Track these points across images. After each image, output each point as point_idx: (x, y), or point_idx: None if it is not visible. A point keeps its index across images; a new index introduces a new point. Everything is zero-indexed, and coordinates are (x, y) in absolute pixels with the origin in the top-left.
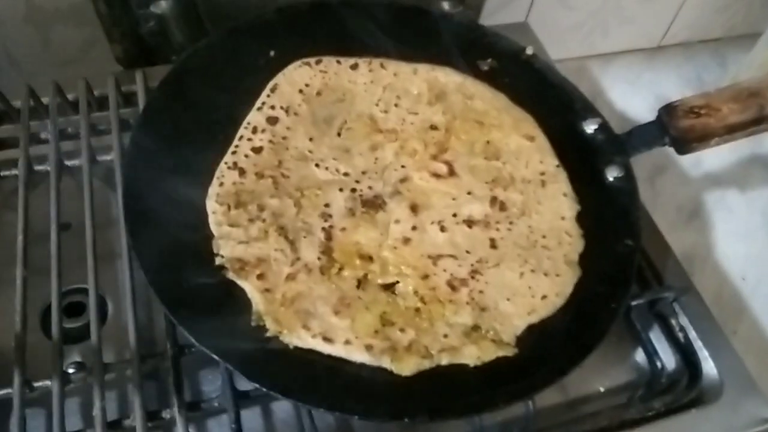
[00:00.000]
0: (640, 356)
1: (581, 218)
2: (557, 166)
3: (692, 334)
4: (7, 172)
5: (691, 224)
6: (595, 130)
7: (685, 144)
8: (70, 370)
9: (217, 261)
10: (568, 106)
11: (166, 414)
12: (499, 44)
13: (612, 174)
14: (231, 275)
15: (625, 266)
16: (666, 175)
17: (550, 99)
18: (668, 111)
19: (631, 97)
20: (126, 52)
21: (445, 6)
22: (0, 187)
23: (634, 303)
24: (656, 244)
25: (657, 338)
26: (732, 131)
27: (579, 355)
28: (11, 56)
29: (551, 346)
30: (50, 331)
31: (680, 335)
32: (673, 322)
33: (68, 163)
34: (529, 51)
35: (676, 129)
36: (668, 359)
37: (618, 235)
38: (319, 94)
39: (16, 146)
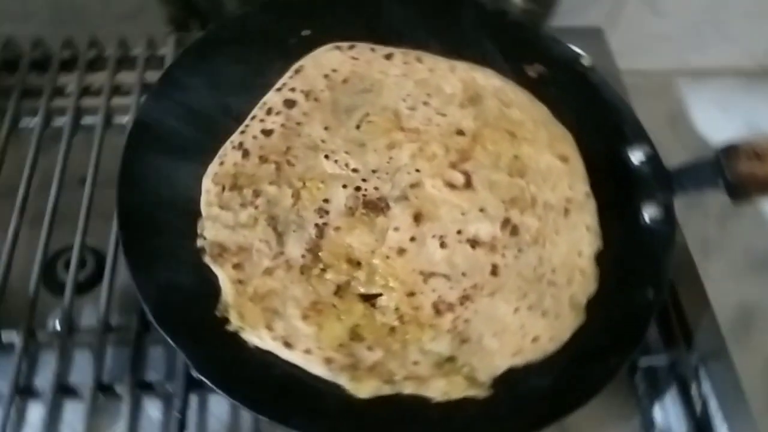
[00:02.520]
0: (646, 420)
1: (601, 257)
2: (587, 194)
3: (713, 407)
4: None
5: (762, 275)
6: (642, 160)
7: (740, 192)
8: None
9: (199, 242)
10: (617, 128)
11: (118, 388)
12: (553, 49)
13: (649, 213)
14: (207, 259)
15: (638, 320)
16: (743, 216)
17: (598, 118)
18: (728, 151)
19: (720, 123)
20: (176, 14)
21: (516, 1)
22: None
23: (653, 361)
24: (695, 297)
25: (672, 402)
26: None
27: (559, 412)
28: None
29: (530, 396)
30: (50, 284)
31: (698, 405)
32: (694, 389)
33: (87, 120)
34: (586, 61)
35: (733, 173)
36: (679, 430)
37: (640, 283)
38: (345, 81)
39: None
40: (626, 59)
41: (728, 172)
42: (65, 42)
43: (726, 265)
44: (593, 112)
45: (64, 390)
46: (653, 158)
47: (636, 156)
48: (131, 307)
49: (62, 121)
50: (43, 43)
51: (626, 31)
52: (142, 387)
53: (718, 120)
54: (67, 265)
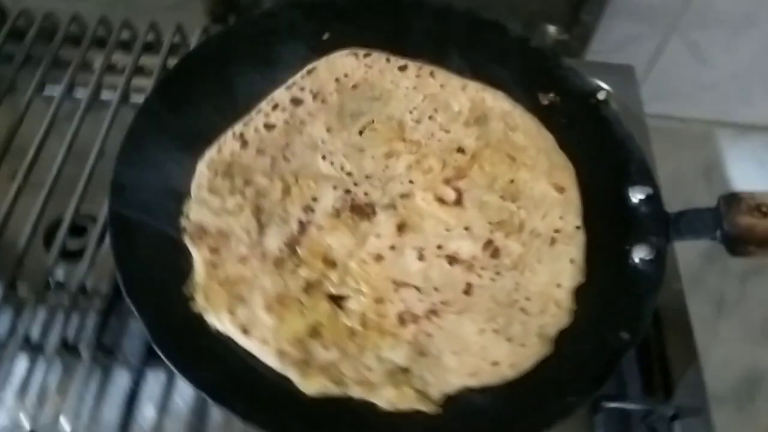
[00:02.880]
0: None
1: (581, 292)
2: (577, 227)
3: None
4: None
5: None
6: (641, 200)
7: (738, 244)
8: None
9: (182, 222)
10: (622, 165)
11: (83, 350)
12: (569, 80)
13: (639, 254)
14: (186, 239)
15: (607, 360)
16: (763, 278)
17: (604, 153)
18: (729, 201)
19: (757, 178)
20: (215, 7)
21: (551, 31)
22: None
23: (628, 405)
24: (683, 348)
25: None
26: None
27: None
28: None
29: (481, 419)
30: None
31: None
32: None
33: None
34: (602, 96)
35: (732, 224)
36: None
37: (616, 323)
38: (355, 87)
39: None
40: (665, 104)
41: (727, 222)
42: (101, 20)
43: (740, 327)
44: (600, 145)
45: (28, 344)
46: (653, 198)
47: (636, 195)
48: (113, 275)
49: (82, 93)
50: (80, 19)
51: (667, 76)
52: (104, 352)
53: (755, 175)
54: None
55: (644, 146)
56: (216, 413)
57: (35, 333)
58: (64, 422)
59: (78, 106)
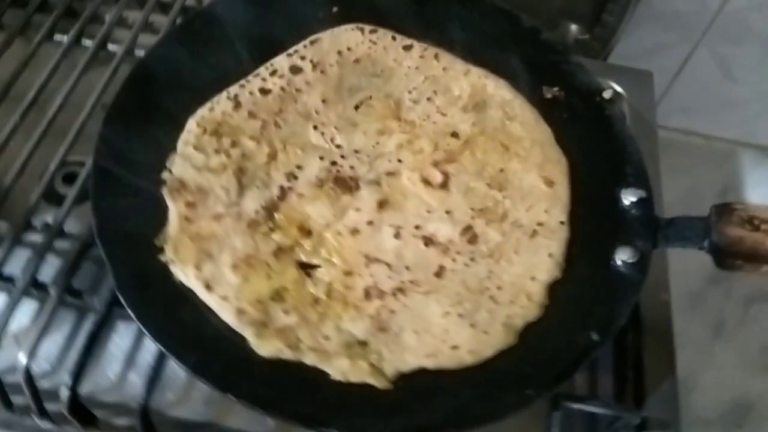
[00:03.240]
0: None
1: (555, 288)
2: (562, 222)
3: None
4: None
5: None
6: (633, 202)
7: (725, 256)
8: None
9: (163, 175)
10: (618, 166)
11: (51, 289)
12: (576, 76)
13: (622, 257)
14: (165, 191)
15: (572, 359)
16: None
17: (602, 151)
18: (721, 211)
19: None
20: None
21: (573, 29)
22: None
23: (595, 408)
24: (662, 360)
25: None
26: None
27: (453, 423)
28: None
29: (432, 401)
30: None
31: None
32: None
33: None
34: (608, 95)
35: (721, 235)
36: None
37: (586, 323)
38: (357, 61)
39: None
40: (688, 117)
41: (716, 232)
42: None
43: (736, 352)
44: (598, 144)
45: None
46: (646, 202)
47: (629, 197)
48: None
49: (89, 43)
50: None
51: (693, 88)
52: (71, 293)
53: None
54: (64, 179)
55: (652, 152)
56: (179, 372)
57: (12, 269)
58: (22, 357)
59: (84, 54)
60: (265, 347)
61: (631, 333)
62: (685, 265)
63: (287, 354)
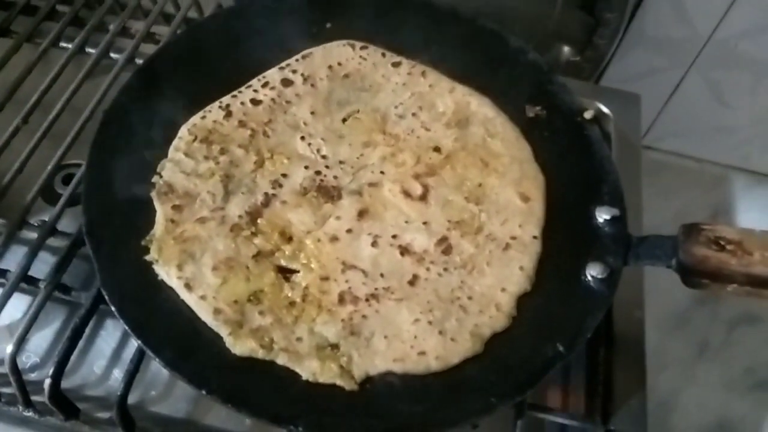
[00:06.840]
0: None
1: (524, 300)
2: (534, 237)
3: None
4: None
5: (754, 394)
6: (607, 220)
7: (691, 275)
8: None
9: (153, 179)
10: (595, 184)
11: (42, 285)
12: (559, 96)
13: (592, 272)
14: (153, 194)
15: (536, 369)
16: (753, 329)
17: (579, 170)
18: (689, 231)
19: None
20: None
21: (565, 51)
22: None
23: (563, 419)
24: (632, 378)
25: None
26: (755, 285)
27: (415, 426)
28: None
29: (396, 403)
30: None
31: None
32: None
33: (114, 55)
34: (589, 115)
35: (687, 254)
36: None
37: (553, 335)
38: (346, 76)
39: None
40: (680, 141)
41: (682, 251)
42: None
43: (719, 373)
44: (576, 162)
45: None
46: (619, 220)
47: (602, 215)
48: None
49: (92, 51)
50: None
51: (684, 112)
52: (61, 288)
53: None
54: (63, 180)
55: (635, 173)
56: (162, 370)
57: (8, 265)
58: (8, 348)
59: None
60: (239, 346)
61: (603, 349)
62: (671, 285)
63: (260, 354)
